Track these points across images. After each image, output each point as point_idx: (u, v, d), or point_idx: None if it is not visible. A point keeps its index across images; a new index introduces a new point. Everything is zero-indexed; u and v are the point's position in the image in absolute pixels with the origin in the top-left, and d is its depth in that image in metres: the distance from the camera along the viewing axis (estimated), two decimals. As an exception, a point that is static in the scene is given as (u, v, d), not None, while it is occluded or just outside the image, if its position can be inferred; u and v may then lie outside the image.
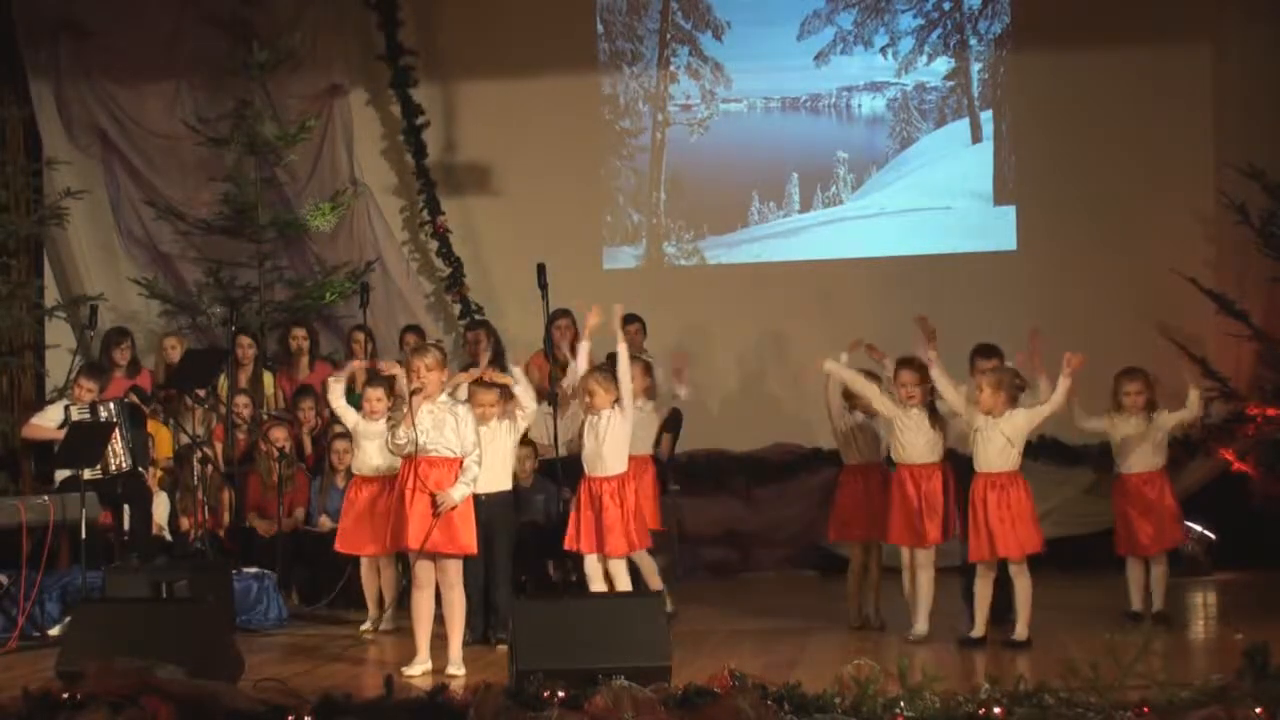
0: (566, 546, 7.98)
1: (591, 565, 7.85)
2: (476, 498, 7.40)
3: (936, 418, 7.94)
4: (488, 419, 7.82)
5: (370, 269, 11.52)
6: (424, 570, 6.94)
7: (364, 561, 8.63)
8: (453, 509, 6.89)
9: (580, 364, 8.12)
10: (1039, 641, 7.44)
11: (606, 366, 8.22)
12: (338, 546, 8.45)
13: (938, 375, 7.77)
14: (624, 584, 7.82)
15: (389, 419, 7.73)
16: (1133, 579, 8.27)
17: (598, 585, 7.82)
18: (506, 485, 8.02)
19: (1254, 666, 5.08)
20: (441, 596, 7.00)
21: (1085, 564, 9.28)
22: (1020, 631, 7.48)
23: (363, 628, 8.54)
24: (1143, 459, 8.29)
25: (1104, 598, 8.47)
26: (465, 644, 7.23)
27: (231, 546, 9.65)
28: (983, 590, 7.61)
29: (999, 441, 7.55)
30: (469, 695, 5.21)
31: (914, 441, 7.88)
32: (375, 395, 8.45)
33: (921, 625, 7.77)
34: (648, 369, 9.41)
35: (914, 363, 7.90)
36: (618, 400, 7.81)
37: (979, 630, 7.58)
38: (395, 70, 11.82)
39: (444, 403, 6.99)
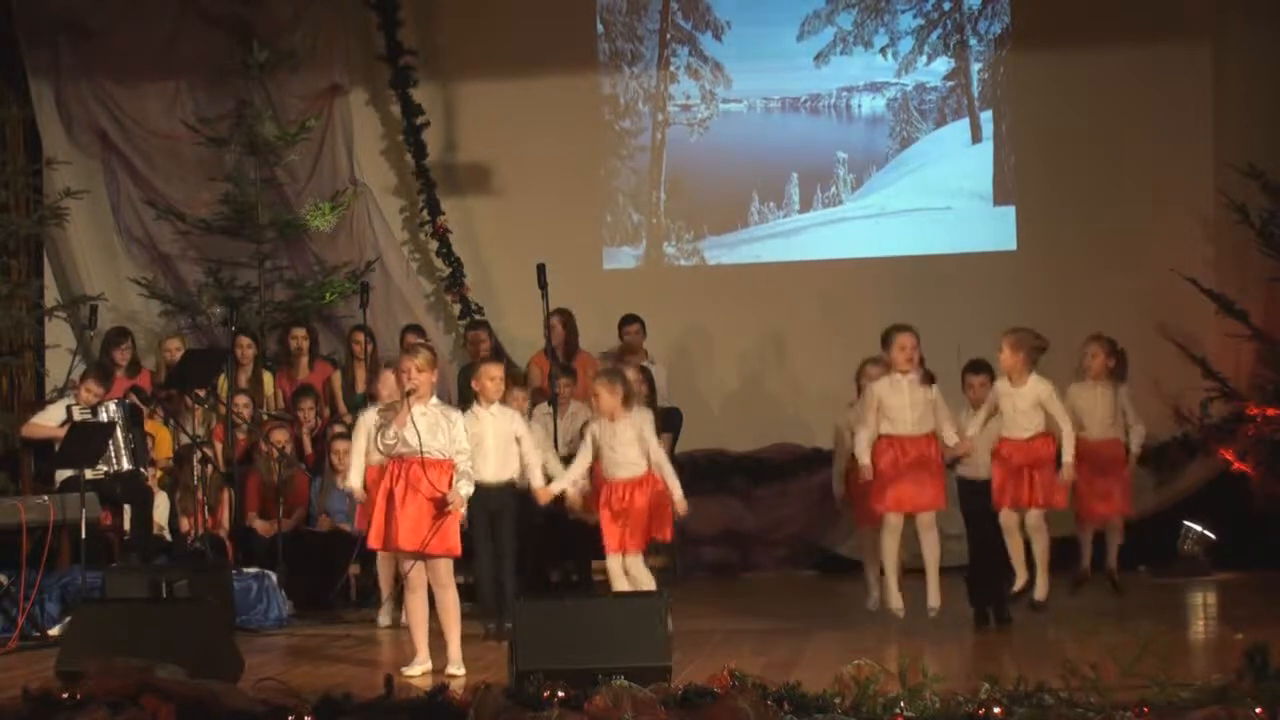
0: (608, 551, 7.90)
1: (616, 565, 7.84)
2: (485, 487, 7.54)
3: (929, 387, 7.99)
4: (492, 397, 7.80)
5: (370, 269, 11.52)
6: (416, 572, 6.94)
7: (380, 554, 8.68)
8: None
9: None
10: (1039, 641, 7.44)
11: (611, 370, 8.20)
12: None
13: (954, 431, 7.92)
14: (647, 581, 7.81)
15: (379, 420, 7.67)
16: (1084, 540, 8.38)
17: (621, 585, 7.79)
18: (513, 473, 8.01)
19: (1254, 666, 5.08)
20: (435, 597, 6.99)
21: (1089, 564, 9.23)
22: (1040, 592, 7.51)
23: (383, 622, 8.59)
24: (1102, 426, 8.31)
25: (1104, 598, 8.47)
26: (488, 636, 7.31)
27: (231, 546, 9.66)
28: (1015, 543, 7.76)
29: (1023, 405, 7.63)
30: (469, 695, 5.20)
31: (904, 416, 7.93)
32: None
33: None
34: (646, 377, 9.42)
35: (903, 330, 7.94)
36: (624, 401, 7.80)
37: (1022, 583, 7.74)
38: (395, 70, 11.82)
39: (435, 405, 6.98)
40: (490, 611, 7.94)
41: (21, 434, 9.87)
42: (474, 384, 7.79)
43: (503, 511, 7.92)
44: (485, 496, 7.65)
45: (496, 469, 7.82)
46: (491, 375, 7.82)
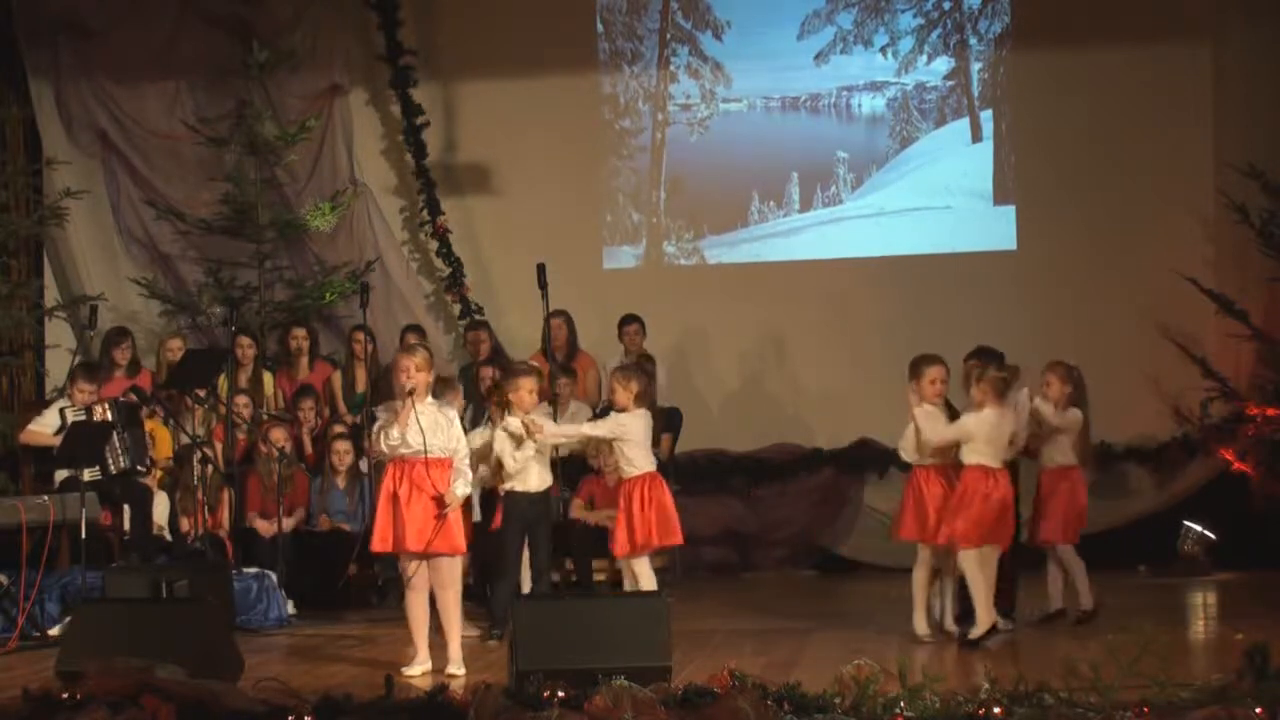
0: (617, 553, 7.89)
1: (632, 565, 7.85)
2: (521, 494, 7.66)
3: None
4: (528, 408, 7.80)
5: (370, 269, 11.52)
6: (419, 572, 6.93)
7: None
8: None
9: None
10: (1039, 641, 7.45)
11: (630, 365, 8.23)
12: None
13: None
14: (648, 580, 7.82)
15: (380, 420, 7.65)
16: (1053, 576, 8.18)
17: (646, 584, 7.79)
18: (548, 481, 8.02)
19: (1254, 666, 5.08)
20: (437, 597, 6.99)
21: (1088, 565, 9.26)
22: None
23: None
24: (1062, 453, 8.07)
25: (1107, 597, 8.46)
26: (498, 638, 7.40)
27: (231, 546, 9.66)
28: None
29: (1006, 430, 7.58)
30: (469, 695, 5.20)
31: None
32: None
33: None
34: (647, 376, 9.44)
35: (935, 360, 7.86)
36: (637, 398, 7.81)
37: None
38: (395, 70, 11.82)
39: (432, 403, 6.99)
40: (503, 621, 7.68)
41: (19, 440, 9.86)
42: (510, 395, 7.77)
43: (543, 519, 7.94)
44: (526, 504, 7.77)
45: (540, 478, 7.86)
46: (529, 388, 7.85)
